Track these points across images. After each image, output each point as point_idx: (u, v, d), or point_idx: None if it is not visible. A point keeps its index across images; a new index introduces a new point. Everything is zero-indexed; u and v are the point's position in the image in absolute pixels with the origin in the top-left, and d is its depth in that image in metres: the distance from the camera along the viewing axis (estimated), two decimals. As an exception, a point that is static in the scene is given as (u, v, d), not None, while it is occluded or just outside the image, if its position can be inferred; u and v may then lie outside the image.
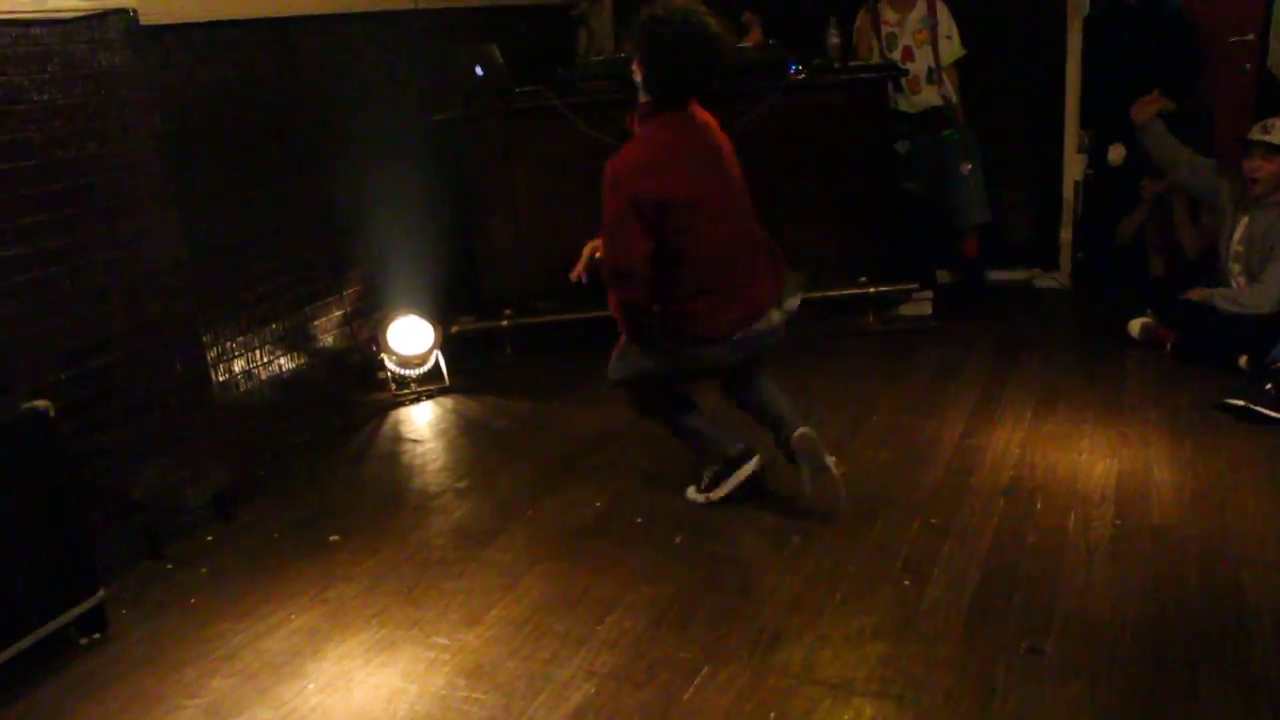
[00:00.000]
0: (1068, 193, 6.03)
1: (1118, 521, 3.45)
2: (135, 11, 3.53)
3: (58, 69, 3.31)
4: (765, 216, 5.35)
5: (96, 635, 3.20)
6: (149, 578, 3.56)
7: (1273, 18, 6.40)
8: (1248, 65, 6.60)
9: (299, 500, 4.08)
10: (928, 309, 5.64)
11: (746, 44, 5.47)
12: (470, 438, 4.62)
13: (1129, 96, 5.91)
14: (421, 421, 4.82)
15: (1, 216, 3.17)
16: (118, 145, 3.52)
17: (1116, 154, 5.67)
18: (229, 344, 4.37)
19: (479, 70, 5.25)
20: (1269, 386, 4.14)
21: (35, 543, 3.03)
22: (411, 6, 5.29)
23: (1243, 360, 4.55)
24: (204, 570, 3.60)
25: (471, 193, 5.51)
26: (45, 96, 3.28)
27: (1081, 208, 6.06)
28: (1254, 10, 6.52)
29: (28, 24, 3.21)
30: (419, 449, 4.52)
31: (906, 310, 5.64)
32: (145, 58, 3.63)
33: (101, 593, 3.21)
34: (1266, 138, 4.65)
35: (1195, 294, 4.86)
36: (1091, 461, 3.90)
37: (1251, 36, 6.56)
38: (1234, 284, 4.81)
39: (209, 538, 3.81)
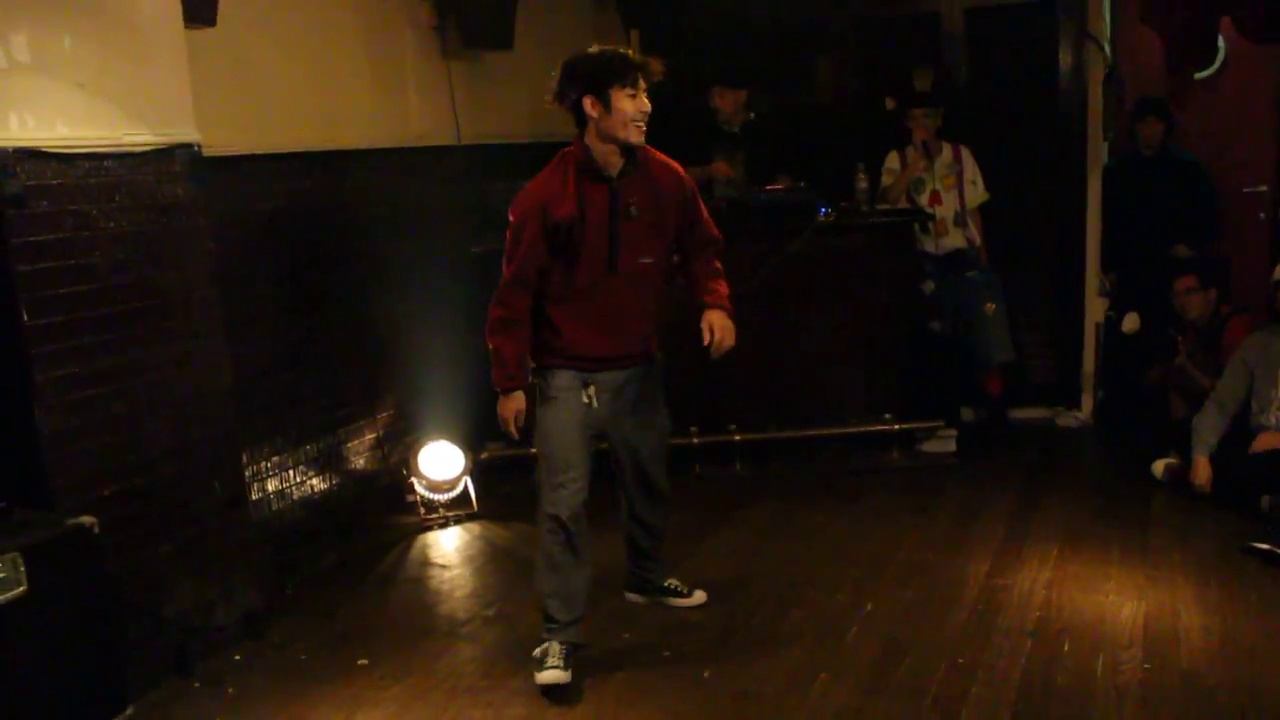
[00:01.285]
0: (1089, 334, 6.13)
1: (1146, 665, 3.43)
2: (200, 146, 3.73)
3: (125, 199, 3.48)
4: (795, 354, 5.53)
5: (123, 753, 3.20)
6: (176, 696, 3.57)
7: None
8: (1262, 215, 6.79)
9: (328, 622, 4.10)
10: (952, 446, 5.69)
11: (779, 186, 5.65)
12: (498, 565, 4.64)
13: (1148, 246, 6.09)
14: (450, 547, 4.86)
15: (61, 336, 3.31)
16: (174, 272, 3.67)
17: (1131, 324, 5.78)
18: (264, 464, 4.46)
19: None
20: (1294, 529, 4.14)
21: (71, 656, 3.07)
22: (454, 143, 5.52)
23: (1265, 501, 4.56)
24: (231, 690, 3.61)
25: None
26: (112, 224, 3.45)
27: (1104, 348, 6.16)
28: (1268, 162, 6.73)
29: (103, 157, 3.40)
30: (447, 574, 4.55)
31: (930, 447, 5.69)
32: (205, 188, 3.80)
33: (130, 710, 3.23)
34: None
35: (1267, 441, 4.71)
36: (1118, 603, 3.89)
37: (1265, 188, 6.77)
38: None
39: (237, 657, 3.83)
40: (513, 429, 3.53)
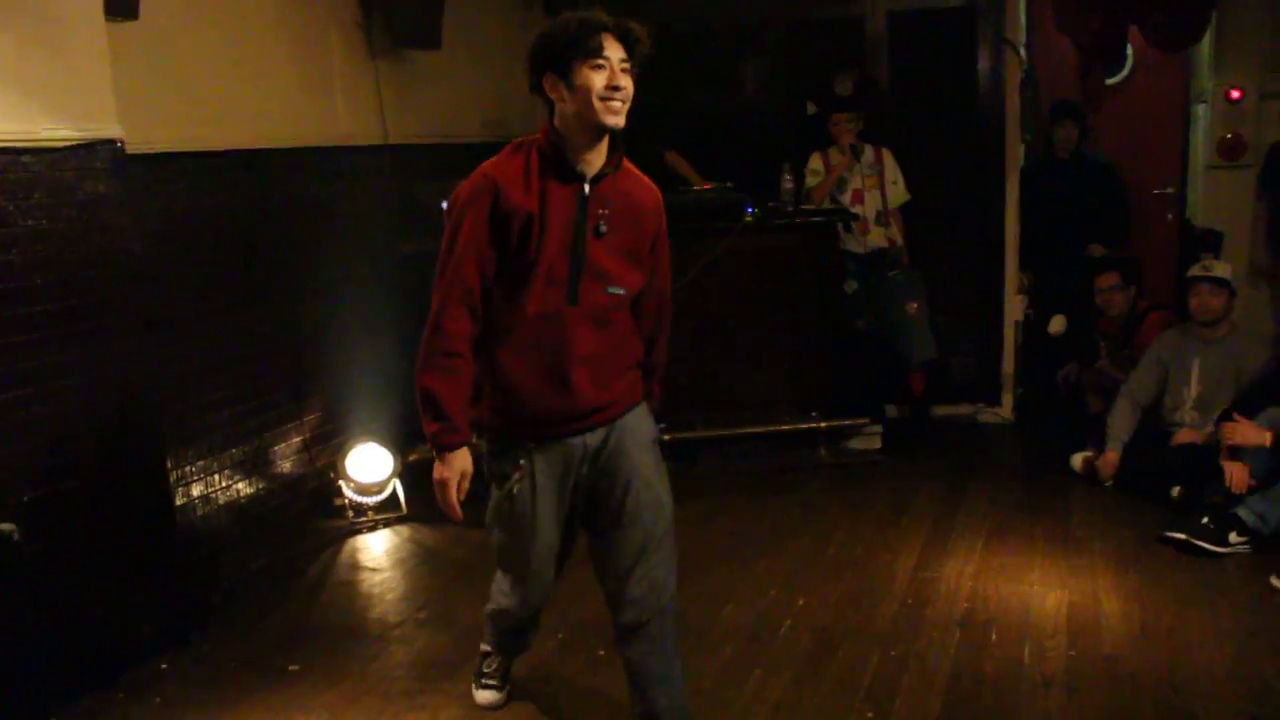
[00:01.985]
0: (1009, 332, 6.27)
1: (1071, 652, 3.53)
2: (123, 142, 3.63)
3: (44, 195, 3.38)
4: (723, 353, 5.58)
5: (45, 766, 3.12)
6: (101, 707, 3.47)
7: (1189, 172, 6.86)
8: (1170, 216, 7.03)
9: (256, 628, 4.03)
10: (877, 443, 5.79)
11: (705, 186, 5.69)
12: (429, 566, 4.60)
13: (1064, 245, 6.26)
14: (379, 550, 4.81)
15: (-22, 338, 3.20)
16: (96, 271, 3.57)
17: (1058, 325, 5.95)
18: (189, 469, 4.36)
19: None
20: (1205, 520, 4.29)
21: (-10, 668, 2.98)
22: (382, 143, 5.46)
23: (1175, 491, 4.72)
24: (157, 700, 3.52)
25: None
26: (30, 222, 3.34)
27: (1023, 346, 6.31)
28: (1173, 165, 6.98)
29: (19, 151, 3.30)
30: (377, 577, 4.50)
31: (856, 444, 5.78)
32: (128, 185, 3.70)
33: (52, 722, 3.15)
34: (1210, 273, 4.91)
35: (1185, 436, 4.88)
36: (1043, 593, 4.00)
37: (1172, 189, 7.01)
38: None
39: (164, 665, 3.74)
40: (454, 503, 2.72)
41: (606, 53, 2.59)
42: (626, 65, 2.61)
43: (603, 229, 2.70)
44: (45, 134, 3.37)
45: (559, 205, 2.66)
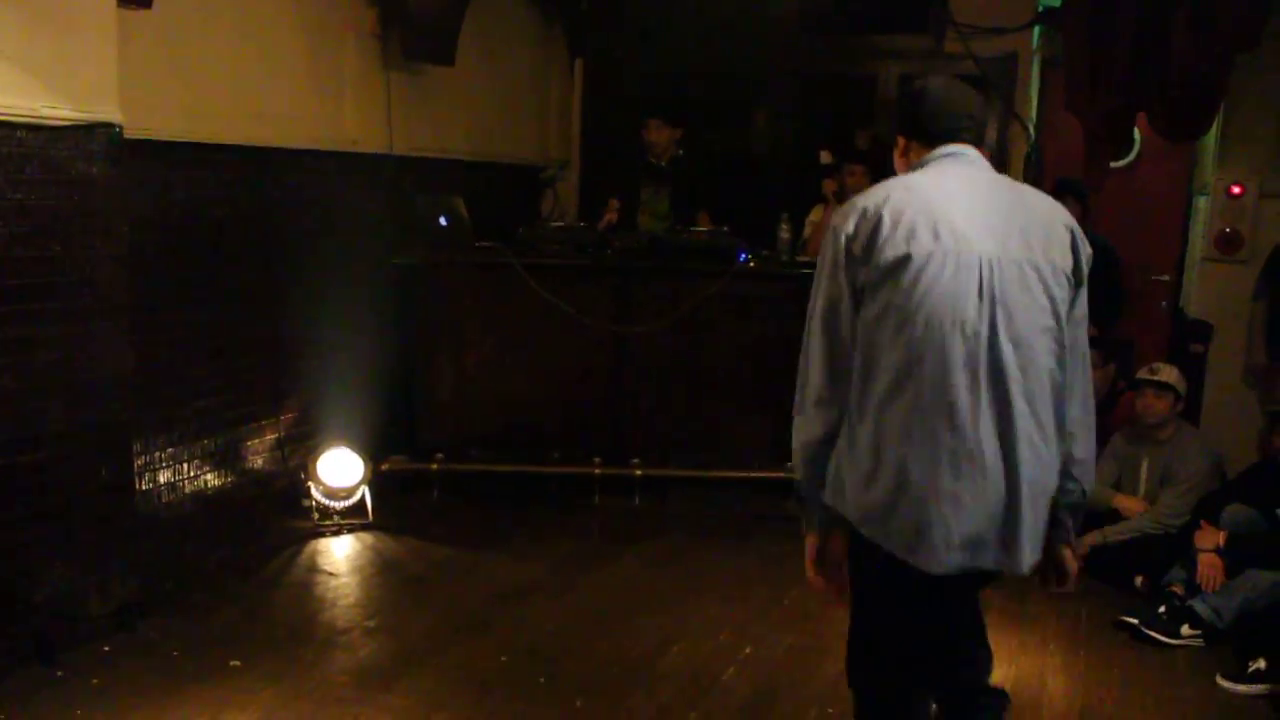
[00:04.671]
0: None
1: (1009, 728, 3.52)
2: (121, 127, 3.68)
3: (37, 171, 3.43)
4: (704, 395, 5.59)
5: (-28, 738, 3.11)
6: (37, 684, 3.48)
7: (1186, 260, 6.88)
8: (1164, 303, 7.04)
9: (205, 620, 4.03)
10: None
11: (700, 228, 5.74)
12: (385, 577, 4.60)
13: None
14: (340, 555, 4.81)
15: (-48, 305, 3.23)
16: (82, 251, 3.61)
17: None
18: (158, 454, 4.38)
19: (443, 220, 5.46)
20: (1162, 610, 4.29)
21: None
22: (386, 152, 5.51)
23: (1139, 580, 4.72)
24: (95, 681, 3.53)
25: (419, 336, 5.64)
26: (19, 196, 3.39)
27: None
28: (1172, 253, 7.00)
29: (15, 126, 3.35)
30: (333, 582, 4.50)
31: (829, 499, 5.76)
32: (123, 170, 3.75)
33: (-16, 694, 3.15)
34: (1155, 377, 4.97)
35: (1090, 539, 4.89)
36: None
37: (1167, 277, 7.03)
38: None
39: (106, 649, 3.74)
40: None
41: None
42: None
43: None
44: (44, 111, 3.42)
45: None
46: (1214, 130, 6.04)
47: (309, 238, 5.12)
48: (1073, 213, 6.79)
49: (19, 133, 3.36)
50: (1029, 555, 2.32)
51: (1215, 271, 6.33)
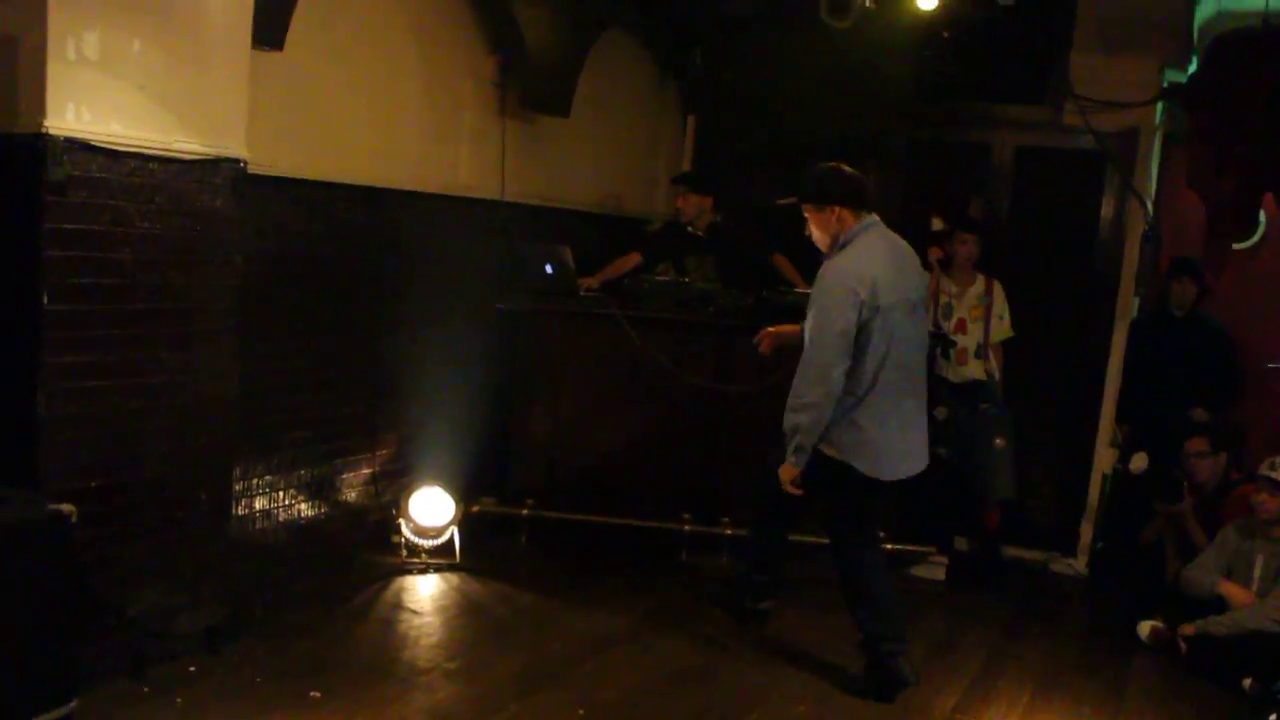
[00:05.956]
0: (1095, 483, 6.09)
1: (1099, 828, 3.36)
2: (246, 162, 3.81)
3: (164, 201, 3.56)
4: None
5: (59, 745, 3.18)
6: (124, 697, 3.55)
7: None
8: (1280, 390, 6.76)
9: (289, 648, 4.08)
10: (941, 574, 5.65)
11: (804, 290, 5.69)
12: (469, 619, 4.61)
13: (1166, 404, 6.08)
14: (425, 593, 4.84)
15: (78, 325, 3.37)
16: (199, 279, 3.73)
17: (1139, 462, 5.78)
18: (255, 481, 4.48)
19: (549, 268, 5.51)
20: (1273, 717, 4.06)
21: (26, 638, 3.07)
22: (498, 198, 5.61)
23: (1247, 683, 4.48)
24: (179, 700, 3.59)
25: (518, 381, 5.69)
26: (146, 224, 3.52)
27: (1108, 500, 6.11)
28: (1292, 340, 6.73)
29: (149, 158, 3.49)
30: (416, 620, 4.52)
31: (919, 572, 5.65)
32: (244, 203, 3.88)
33: (74, 703, 3.21)
34: (1273, 474, 4.77)
35: (1187, 629, 4.78)
36: (1081, 760, 3.82)
37: (1282, 365, 6.74)
38: None
39: (192, 668, 3.81)
40: None
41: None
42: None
43: None
44: (176, 145, 3.56)
45: None
46: (1344, 216, 5.82)
47: (416, 278, 5.22)
48: (1188, 293, 6.68)
49: (151, 164, 3.50)
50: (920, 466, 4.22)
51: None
